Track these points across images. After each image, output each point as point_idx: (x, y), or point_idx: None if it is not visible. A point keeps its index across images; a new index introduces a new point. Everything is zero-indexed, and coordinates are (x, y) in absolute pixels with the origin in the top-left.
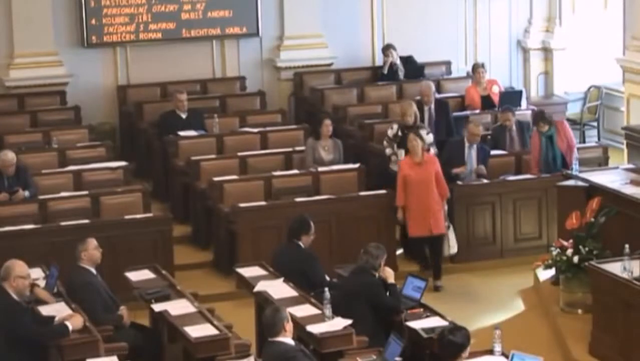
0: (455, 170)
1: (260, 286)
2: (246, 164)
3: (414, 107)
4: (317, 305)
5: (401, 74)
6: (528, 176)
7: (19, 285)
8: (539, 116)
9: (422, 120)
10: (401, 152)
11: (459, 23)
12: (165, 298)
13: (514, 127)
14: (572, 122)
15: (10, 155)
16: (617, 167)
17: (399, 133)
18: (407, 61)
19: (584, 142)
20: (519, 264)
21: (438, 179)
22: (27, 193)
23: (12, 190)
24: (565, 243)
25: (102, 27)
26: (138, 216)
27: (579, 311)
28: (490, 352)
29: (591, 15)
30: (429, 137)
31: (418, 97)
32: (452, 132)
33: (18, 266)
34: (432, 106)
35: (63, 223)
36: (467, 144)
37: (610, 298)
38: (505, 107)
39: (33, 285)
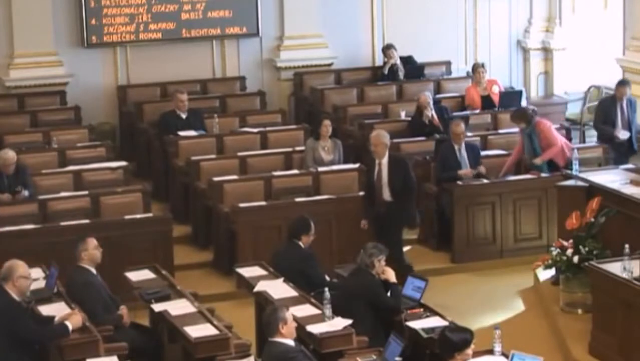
0: (461, 172)
1: (260, 286)
2: (246, 164)
3: None
4: (317, 305)
5: (401, 74)
6: (528, 176)
7: (21, 285)
8: (515, 114)
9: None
10: None
11: (459, 23)
12: (165, 298)
13: (624, 101)
14: (572, 122)
15: (10, 154)
16: (617, 167)
17: None
18: (407, 61)
19: (584, 142)
20: (519, 264)
21: None
22: (26, 193)
23: (13, 190)
24: (565, 243)
25: (102, 27)
26: (138, 216)
27: (579, 311)
28: (490, 352)
29: (591, 15)
30: None
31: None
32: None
33: (20, 266)
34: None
35: (63, 223)
36: (455, 146)
37: (610, 298)
38: (622, 80)
39: None
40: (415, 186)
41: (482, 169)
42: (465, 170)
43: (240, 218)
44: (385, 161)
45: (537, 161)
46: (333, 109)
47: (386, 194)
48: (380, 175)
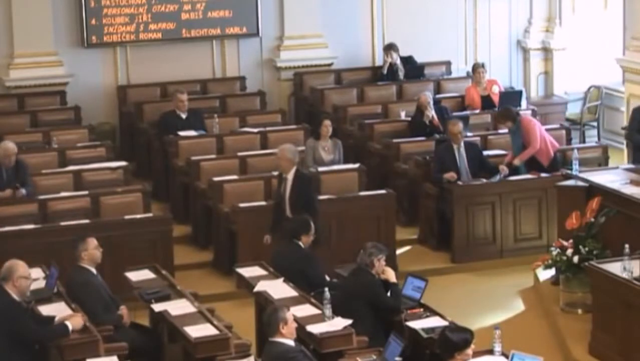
0: (446, 175)
1: (260, 286)
2: (246, 164)
3: None
4: (317, 305)
5: (401, 74)
6: (528, 176)
7: (21, 285)
8: (499, 115)
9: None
10: None
11: (459, 23)
12: (165, 298)
13: None
14: (572, 122)
15: (10, 145)
16: (617, 167)
17: None
18: (407, 61)
19: (584, 142)
20: (519, 264)
21: None
22: (23, 191)
23: (12, 186)
24: (565, 243)
25: (102, 27)
26: (138, 216)
27: (579, 311)
28: (490, 352)
29: (591, 15)
30: None
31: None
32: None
33: (20, 266)
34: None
35: (63, 223)
36: (454, 146)
37: (610, 298)
38: None
39: None
40: (317, 206)
41: (505, 170)
42: (449, 174)
43: (240, 218)
44: (290, 176)
45: (516, 162)
46: (333, 109)
47: (288, 210)
48: (285, 190)
